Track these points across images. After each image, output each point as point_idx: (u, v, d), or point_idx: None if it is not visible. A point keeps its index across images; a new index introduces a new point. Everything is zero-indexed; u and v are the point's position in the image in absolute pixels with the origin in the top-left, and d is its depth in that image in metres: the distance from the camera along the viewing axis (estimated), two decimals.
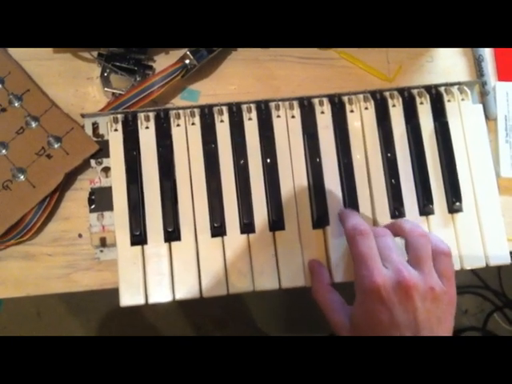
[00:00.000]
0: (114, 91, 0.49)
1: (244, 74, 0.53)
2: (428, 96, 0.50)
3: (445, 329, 0.39)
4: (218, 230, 0.46)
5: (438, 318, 0.39)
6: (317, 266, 0.46)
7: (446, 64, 0.55)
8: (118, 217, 0.46)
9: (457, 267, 0.47)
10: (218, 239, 0.46)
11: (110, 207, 0.46)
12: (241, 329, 1.22)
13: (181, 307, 1.22)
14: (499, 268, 1.26)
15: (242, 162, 0.47)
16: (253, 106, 0.49)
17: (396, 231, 0.44)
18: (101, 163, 0.48)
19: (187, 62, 0.49)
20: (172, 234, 0.46)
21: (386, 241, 0.41)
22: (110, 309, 1.19)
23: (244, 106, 0.49)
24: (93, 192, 0.47)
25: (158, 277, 0.45)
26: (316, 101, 0.49)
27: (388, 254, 0.40)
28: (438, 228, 0.48)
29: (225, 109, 0.49)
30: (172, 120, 0.48)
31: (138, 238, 0.45)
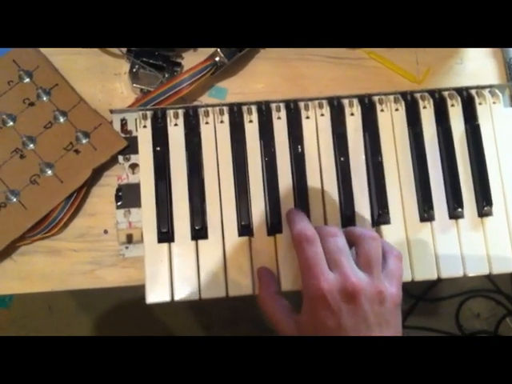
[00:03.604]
0: (143, 87, 0.49)
1: (271, 73, 0.53)
2: (459, 98, 0.49)
3: (393, 330, 0.39)
4: (246, 229, 0.46)
5: (386, 321, 0.39)
6: (264, 273, 0.45)
7: (476, 66, 0.54)
8: (146, 214, 0.46)
9: (485, 272, 0.47)
10: (245, 238, 0.46)
11: (136, 204, 0.46)
12: (250, 328, 1.22)
13: (190, 306, 1.21)
14: None
15: (270, 161, 0.47)
16: (282, 105, 0.48)
17: (347, 236, 0.42)
18: (128, 159, 0.47)
19: (217, 59, 0.48)
20: (199, 232, 0.45)
21: (335, 242, 0.40)
22: (120, 305, 1.19)
23: (273, 105, 0.48)
24: (120, 188, 0.47)
25: (184, 274, 0.45)
26: (346, 101, 0.49)
27: (336, 258, 0.39)
28: (467, 232, 0.47)
29: (254, 107, 0.48)
30: (201, 118, 0.48)
31: (166, 235, 0.45)
